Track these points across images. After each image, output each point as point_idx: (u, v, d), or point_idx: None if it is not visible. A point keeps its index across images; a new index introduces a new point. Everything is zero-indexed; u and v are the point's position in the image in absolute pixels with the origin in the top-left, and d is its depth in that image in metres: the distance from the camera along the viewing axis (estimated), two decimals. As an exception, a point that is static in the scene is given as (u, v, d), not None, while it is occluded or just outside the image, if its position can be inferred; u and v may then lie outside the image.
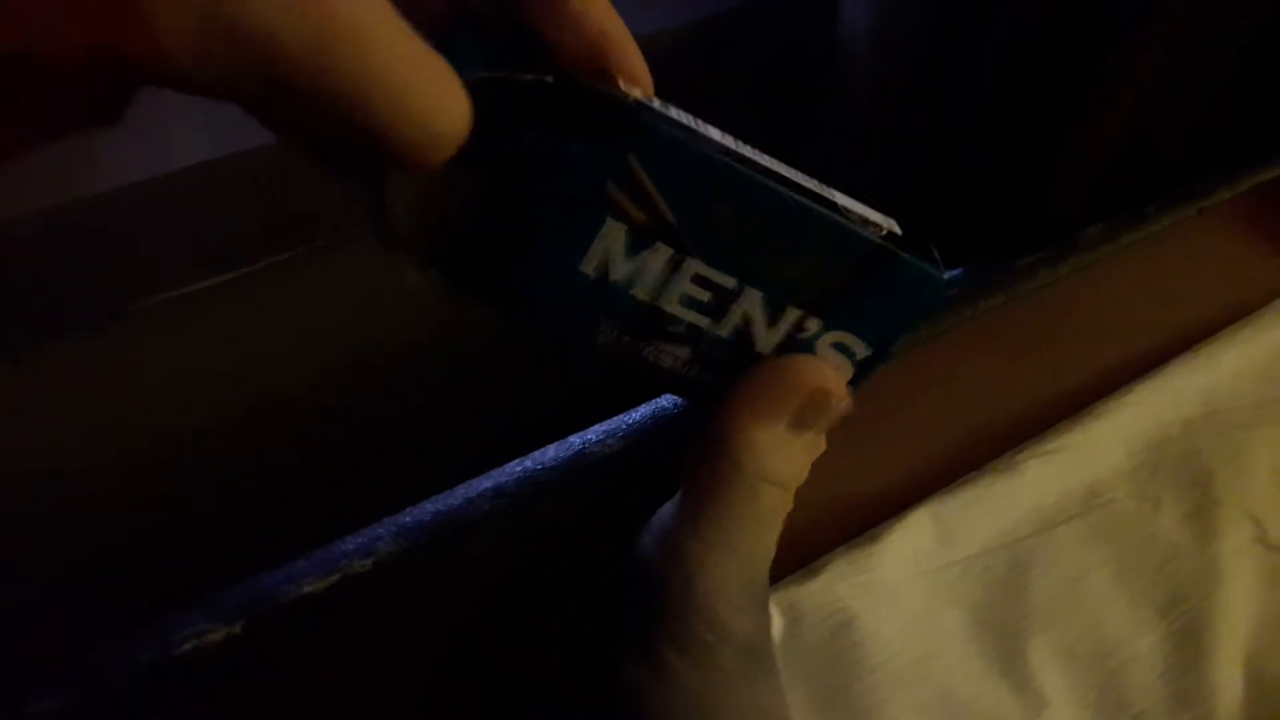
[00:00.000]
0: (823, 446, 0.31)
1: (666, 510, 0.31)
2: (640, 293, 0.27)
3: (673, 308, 0.28)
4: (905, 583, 0.52)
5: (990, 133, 0.52)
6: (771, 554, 0.31)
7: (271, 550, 0.32)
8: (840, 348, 0.30)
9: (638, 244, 0.26)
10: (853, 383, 0.30)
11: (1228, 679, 0.51)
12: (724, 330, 0.29)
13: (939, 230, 0.32)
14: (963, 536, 0.54)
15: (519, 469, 0.36)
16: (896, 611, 0.51)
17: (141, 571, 0.40)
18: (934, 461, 0.56)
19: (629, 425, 0.38)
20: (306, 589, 0.32)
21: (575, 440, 0.37)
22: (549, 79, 0.25)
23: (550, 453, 0.37)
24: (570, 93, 0.25)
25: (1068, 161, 0.52)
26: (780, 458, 0.29)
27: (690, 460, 0.31)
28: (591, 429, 0.37)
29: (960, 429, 0.56)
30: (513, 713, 0.42)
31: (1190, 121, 0.54)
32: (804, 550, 0.52)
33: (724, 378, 0.30)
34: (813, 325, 0.29)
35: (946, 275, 0.29)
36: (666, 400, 0.38)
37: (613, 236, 0.26)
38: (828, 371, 0.29)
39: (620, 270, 0.27)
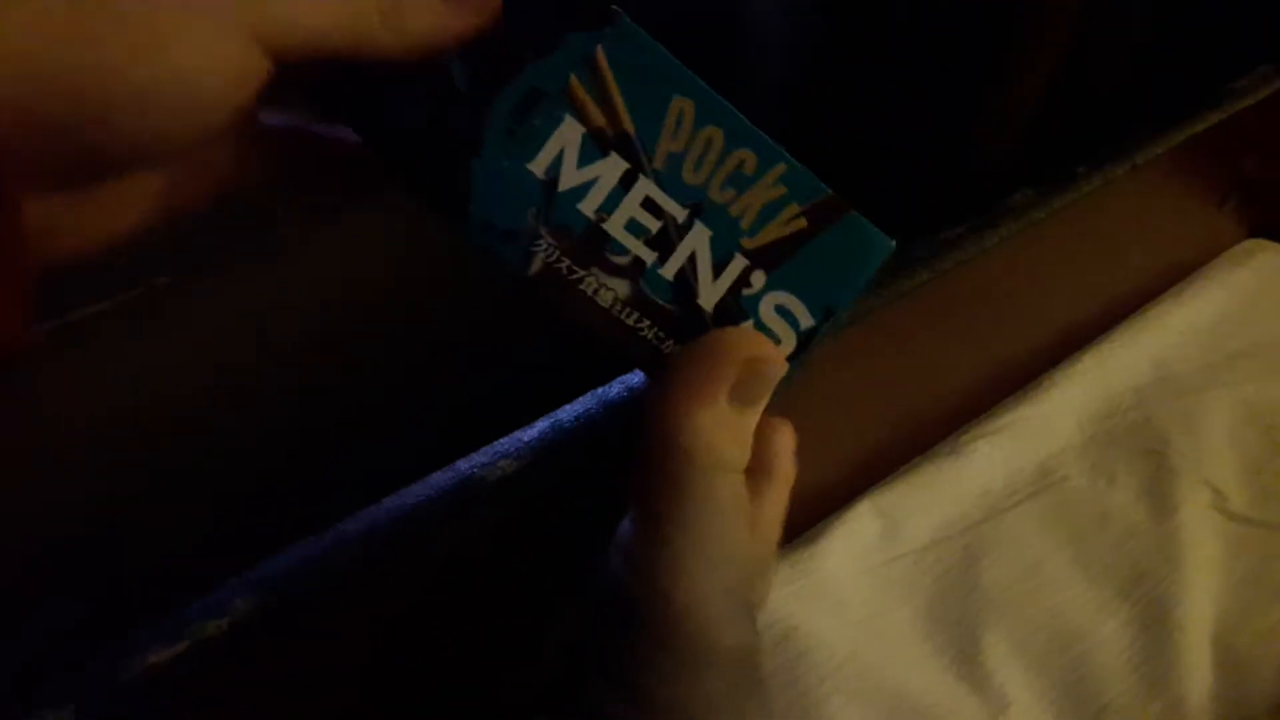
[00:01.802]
0: (786, 431, 0.31)
1: (626, 524, 0.29)
2: (587, 209, 0.27)
3: (618, 232, 0.27)
4: (850, 584, 0.49)
5: (904, 92, 0.49)
6: (746, 552, 0.29)
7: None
8: (783, 313, 0.28)
9: (592, 150, 0.26)
10: (795, 356, 0.29)
11: (1197, 660, 0.48)
12: (667, 270, 0.27)
13: (855, 202, 0.29)
14: (909, 529, 0.51)
15: (402, 502, 0.32)
16: (843, 615, 0.48)
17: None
18: (872, 451, 0.53)
19: (525, 443, 0.34)
20: (150, 659, 0.28)
21: (461, 465, 0.33)
22: None
23: (434, 480, 0.33)
24: None
25: (988, 119, 0.49)
26: (729, 439, 0.28)
27: (636, 466, 0.28)
28: (481, 450, 0.34)
29: (898, 414, 0.53)
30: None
31: (1118, 70, 0.51)
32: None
33: (663, 330, 0.28)
34: (756, 281, 0.28)
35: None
36: (565, 414, 0.35)
37: (568, 137, 0.26)
38: (757, 336, 0.28)
39: (570, 178, 0.26)
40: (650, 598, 0.27)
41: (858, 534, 0.50)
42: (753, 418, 0.28)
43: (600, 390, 0.36)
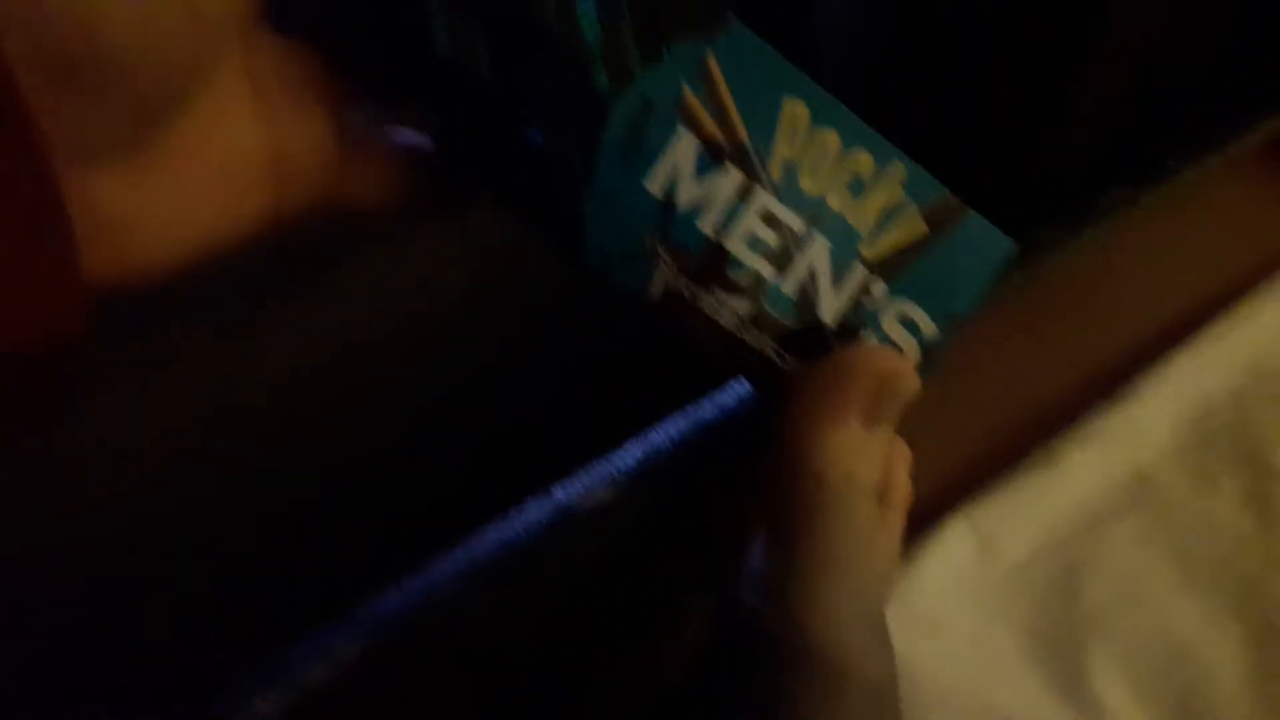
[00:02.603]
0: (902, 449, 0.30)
1: (757, 551, 0.28)
2: (705, 225, 0.26)
3: (737, 248, 0.26)
4: (949, 607, 0.47)
5: (983, 88, 0.47)
6: (882, 579, 0.29)
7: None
8: (905, 323, 0.27)
9: (708, 164, 0.25)
10: (921, 370, 0.28)
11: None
12: (788, 285, 0.26)
13: None
14: (1006, 545, 0.49)
15: (499, 536, 0.31)
16: (943, 639, 0.46)
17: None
18: (962, 464, 0.51)
19: (620, 470, 0.32)
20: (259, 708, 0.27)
21: (557, 495, 0.32)
22: None
23: (531, 512, 0.31)
24: None
25: (1074, 112, 0.47)
26: (862, 460, 0.27)
27: (767, 488, 0.28)
28: (575, 478, 0.32)
29: (989, 424, 0.51)
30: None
31: (1207, 58, 0.49)
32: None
33: (785, 348, 0.27)
34: (877, 290, 0.27)
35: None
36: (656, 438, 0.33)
37: (683, 151, 0.25)
38: (889, 353, 0.27)
39: (687, 193, 0.25)
40: (785, 627, 0.26)
41: (953, 553, 0.48)
42: (884, 437, 0.27)
43: (692, 409, 0.34)
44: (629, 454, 0.33)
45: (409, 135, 0.27)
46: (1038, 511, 0.50)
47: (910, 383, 0.27)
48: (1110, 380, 0.54)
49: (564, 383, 0.41)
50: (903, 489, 0.32)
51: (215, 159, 0.24)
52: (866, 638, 0.27)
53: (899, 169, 0.26)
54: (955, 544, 0.48)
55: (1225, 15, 0.48)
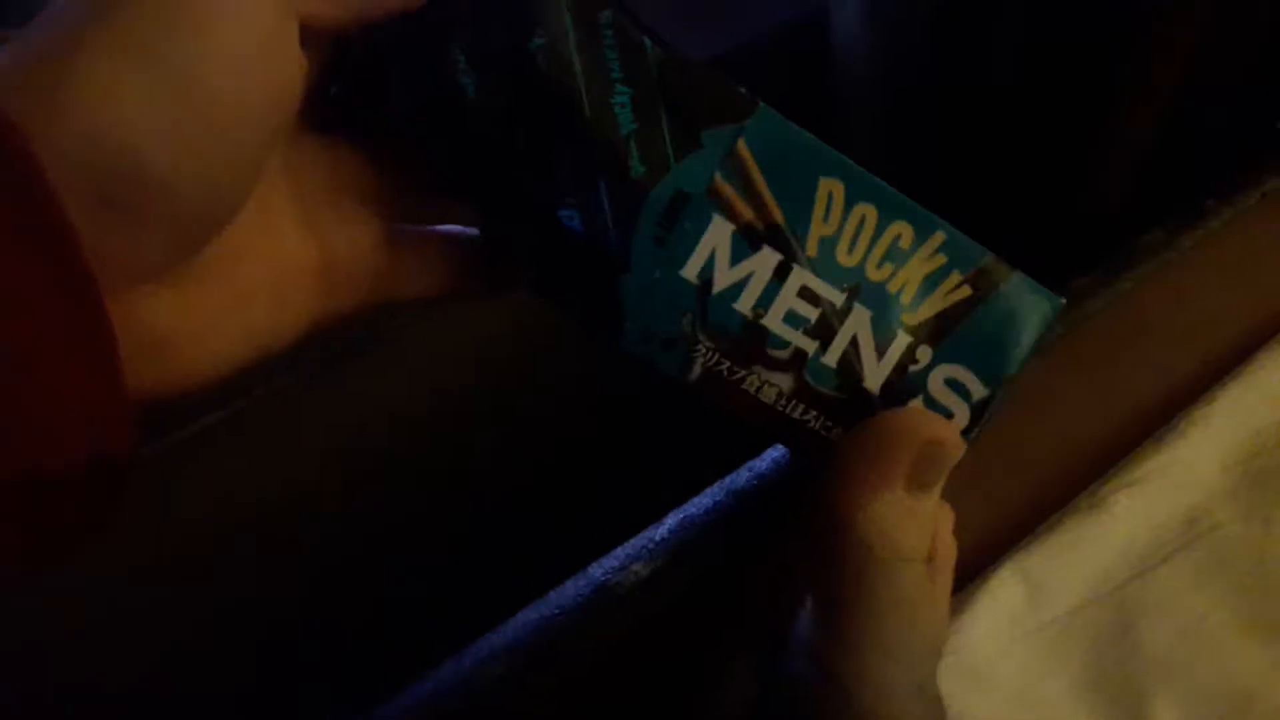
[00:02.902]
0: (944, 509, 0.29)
1: (804, 619, 0.28)
2: (743, 306, 0.26)
3: (776, 326, 0.26)
4: (1001, 656, 0.46)
5: (1012, 135, 0.47)
6: (933, 647, 0.28)
7: None
8: (953, 385, 0.27)
9: (743, 247, 0.26)
10: (970, 429, 0.27)
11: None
12: (829, 357, 0.27)
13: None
14: (1056, 592, 0.48)
15: (539, 615, 0.31)
16: (995, 691, 0.45)
17: None
18: (1010, 511, 0.50)
19: (656, 543, 0.33)
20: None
21: (594, 572, 0.32)
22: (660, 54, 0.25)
23: (569, 590, 0.32)
24: (686, 75, 0.25)
25: (1103, 155, 0.47)
26: (909, 528, 0.27)
27: (813, 556, 0.27)
28: (612, 554, 0.32)
29: (1034, 470, 0.51)
30: None
31: (1238, 95, 0.49)
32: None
33: (829, 418, 0.27)
34: (923, 356, 0.27)
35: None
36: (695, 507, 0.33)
37: (718, 237, 0.25)
38: (931, 417, 0.27)
39: (724, 278, 0.26)
40: (834, 696, 0.26)
41: (1002, 602, 0.47)
42: (930, 503, 0.27)
43: (728, 479, 0.35)
44: (665, 526, 0.33)
45: (451, 227, 0.28)
46: (1087, 557, 0.49)
47: (956, 448, 0.27)
48: (1155, 422, 0.53)
49: (597, 458, 0.42)
50: (947, 549, 0.32)
51: (261, 269, 0.24)
52: (917, 708, 0.27)
53: (939, 237, 0.26)
54: (1004, 593, 0.48)
55: (1255, 51, 0.48)
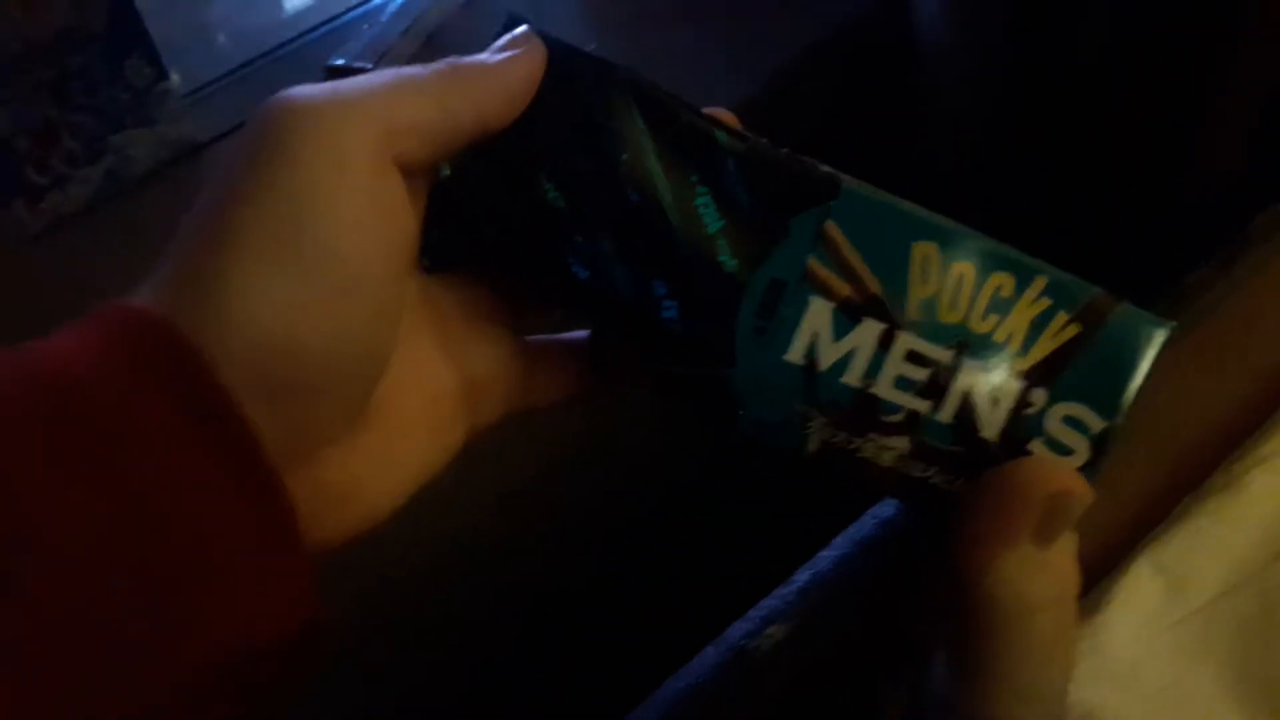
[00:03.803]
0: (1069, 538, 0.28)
1: (939, 674, 0.29)
2: (851, 379, 0.26)
3: (887, 393, 0.26)
4: (1141, 652, 0.46)
5: (1104, 125, 0.46)
6: (1067, 678, 0.28)
7: None
8: (1071, 423, 0.27)
9: (844, 323, 0.26)
10: (1092, 465, 0.27)
11: None
12: (944, 414, 0.27)
13: (1066, 251, 0.28)
14: (1194, 581, 0.48)
15: (684, 684, 0.32)
16: (1139, 689, 0.45)
17: None
18: (1136, 501, 0.49)
19: (790, 602, 0.33)
20: None
21: (731, 634, 0.33)
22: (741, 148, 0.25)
23: (708, 657, 0.33)
24: (765, 164, 0.25)
25: (1203, 139, 0.45)
26: (1039, 580, 0.26)
27: (941, 612, 0.28)
28: (747, 617, 0.33)
29: (1158, 455, 0.50)
30: None
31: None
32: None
33: (950, 472, 0.27)
34: (1038, 399, 0.27)
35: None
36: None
37: (818, 317, 0.26)
38: (1054, 468, 0.27)
39: (829, 355, 0.26)
40: None
41: (1140, 596, 0.47)
42: (1059, 551, 0.27)
43: (853, 529, 0.35)
44: (795, 584, 0.34)
45: (573, 335, 0.29)
46: (1224, 543, 0.48)
47: (1083, 497, 0.27)
48: (1283, 397, 0.52)
49: (728, 522, 0.42)
50: (1073, 579, 0.32)
51: (415, 401, 0.26)
52: None
53: (1041, 281, 0.27)
54: (1140, 586, 0.47)
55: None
